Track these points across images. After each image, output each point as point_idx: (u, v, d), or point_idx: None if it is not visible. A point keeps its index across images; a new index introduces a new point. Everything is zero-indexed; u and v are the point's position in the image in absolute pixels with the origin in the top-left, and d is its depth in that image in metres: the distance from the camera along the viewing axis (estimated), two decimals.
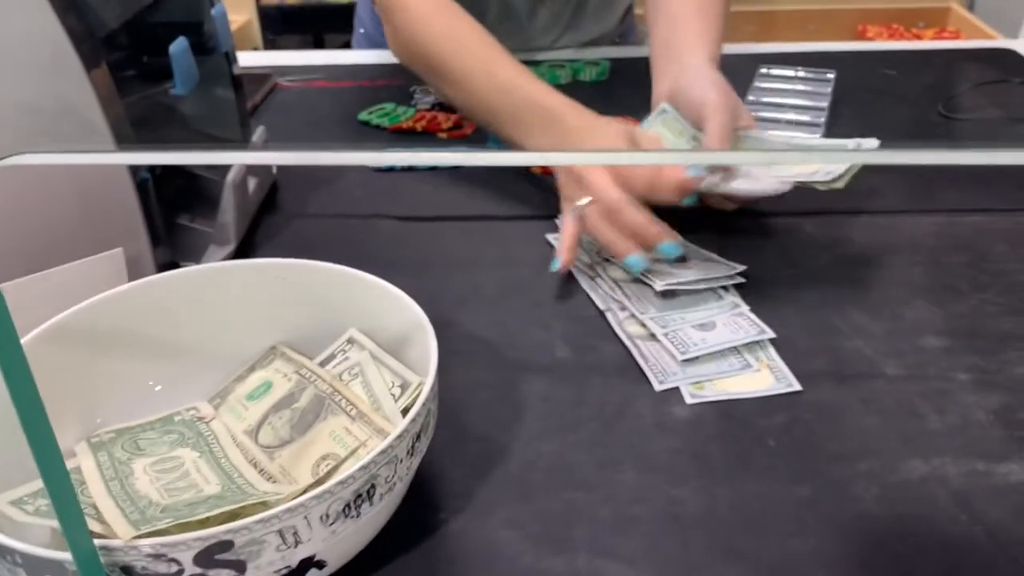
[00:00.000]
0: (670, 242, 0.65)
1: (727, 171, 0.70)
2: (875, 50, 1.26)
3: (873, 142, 0.70)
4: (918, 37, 2.50)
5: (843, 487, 0.50)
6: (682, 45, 0.80)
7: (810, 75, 1.05)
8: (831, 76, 1.05)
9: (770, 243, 0.74)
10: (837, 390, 0.58)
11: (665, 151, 0.73)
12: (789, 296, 0.66)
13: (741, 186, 0.70)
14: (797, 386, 0.58)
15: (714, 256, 0.69)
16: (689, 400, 0.57)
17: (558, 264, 0.67)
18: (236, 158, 0.24)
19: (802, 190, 0.69)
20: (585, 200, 0.68)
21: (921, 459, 0.52)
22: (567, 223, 0.69)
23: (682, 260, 0.68)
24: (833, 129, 0.93)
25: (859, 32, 2.59)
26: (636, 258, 0.65)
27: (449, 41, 0.83)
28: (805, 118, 0.92)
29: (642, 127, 0.76)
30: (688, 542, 0.47)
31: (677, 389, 0.58)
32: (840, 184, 0.68)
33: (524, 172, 0.86)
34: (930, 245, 0.74)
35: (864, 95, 1.03)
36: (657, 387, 0.58)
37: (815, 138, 0.76)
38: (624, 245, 0.66)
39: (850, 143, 0.71)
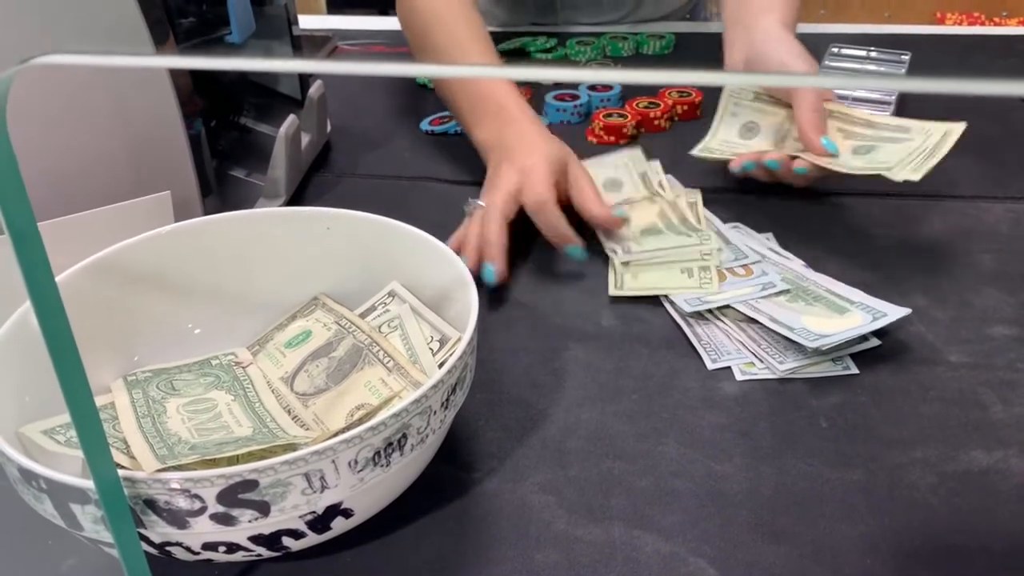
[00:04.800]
0: (576, 246, 0.65)
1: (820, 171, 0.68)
2: (953, 34, 1.21)
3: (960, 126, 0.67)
4: (1000, 27, 2.40)
5: (897, 473, 0.48)
6: (756, 9, 0.76)
7: (883, 56, 1.01)
8: (905, 58, 1.00)
9: (835, 223, 0.71)
10: (896, 374, 0.55)
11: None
12: (852, 277, 0.63)
13: None
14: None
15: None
16: (739, 377, 0.55)
17: (494, 277, 0.63)
18: (278, 66, 0.23)
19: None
20: (478, 202, 0.67)
21: (983, 450, 0.49)
22: (475, 220, 0.66)
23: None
24: (904, 108, 0.89)
25: (937, 20, 2.49)
26: (575, 250, 0.65)
27: (436, 18, 0.82)
28: (875, 95, 0.88)
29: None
30: (729, 519, 0.45)
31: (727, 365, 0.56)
32: (916, 176, 0.64)
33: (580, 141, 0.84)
34: (1003, 233, 0.70)
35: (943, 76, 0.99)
36: (710, 366, 0.56)
37: (885, 115, 0.72)
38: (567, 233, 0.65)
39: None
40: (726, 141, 0.75)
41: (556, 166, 0.67)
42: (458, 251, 0.62)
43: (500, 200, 0.65)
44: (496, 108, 0.72)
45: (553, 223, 0.65)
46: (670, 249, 0.65)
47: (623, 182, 0.74)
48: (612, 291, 0.63)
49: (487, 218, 0.65)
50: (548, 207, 0.65)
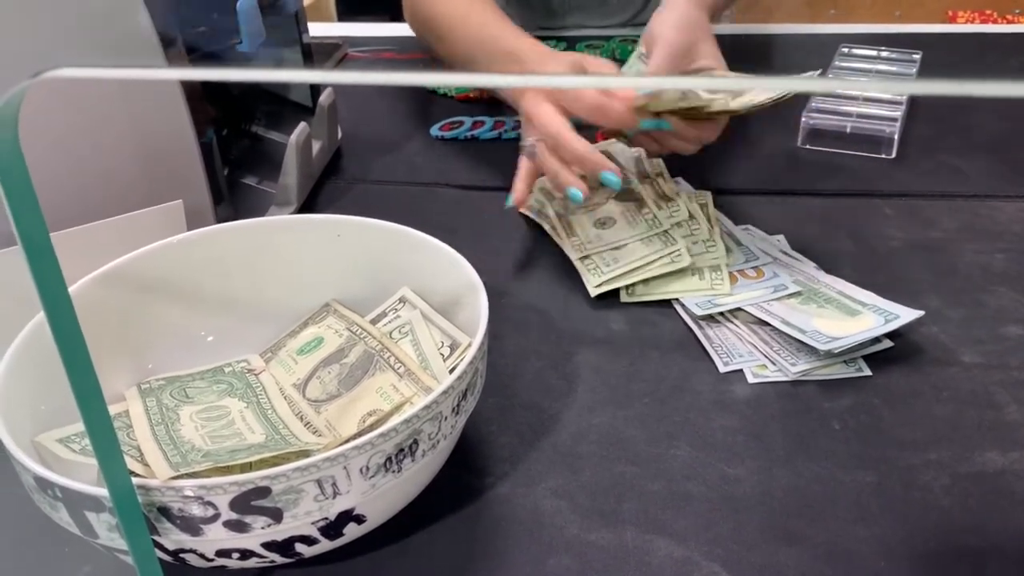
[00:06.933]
0: (610, 172, 0.62)
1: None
2: (964, 32, 1.20)
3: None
4: (1013, 24, 2.38)
5: (911, 475, 0.47)
6: None
7: (894, 55, 1.00)
8: (916, 57, 0.99)
9: (846, 224, 0.71)
10: (908, 376, 0.55)
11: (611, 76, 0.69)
12: (863, 278, 0.62)
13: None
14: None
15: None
16: (751, 379, 0.55)
17: (511, 200, 0.66)
18: (287, 76, 0.23)
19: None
20: (532, 139, 0.65)
21: (998, 451, 0.49)
22: (520, 162, 0.67)
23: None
24: (915, 108, 0.88)
25: (949, 18, 2.48)
26: (575, 191, 0.62)
27: (440, 2, 0.86)
28: (885, 96, 0.87)
29: (624, 68, 0.74)
30: (742, 522, 0.45)
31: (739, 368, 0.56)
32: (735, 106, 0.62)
33: None
34: (1016, 231, 0.69)
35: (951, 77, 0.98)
36: (722, 369, 0.56)
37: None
38: (565, 176, 0.63)
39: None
40: None
41: (574, 69, 0.67)
42: (520, 201, 0.65)
43: (552, 120, 0.63)
44: (511, 56, 0.74)
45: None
46: (632, 243, 0.64)
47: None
48: (592, 290, 0.62)
49: (559, 139, 0.62)
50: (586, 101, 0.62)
